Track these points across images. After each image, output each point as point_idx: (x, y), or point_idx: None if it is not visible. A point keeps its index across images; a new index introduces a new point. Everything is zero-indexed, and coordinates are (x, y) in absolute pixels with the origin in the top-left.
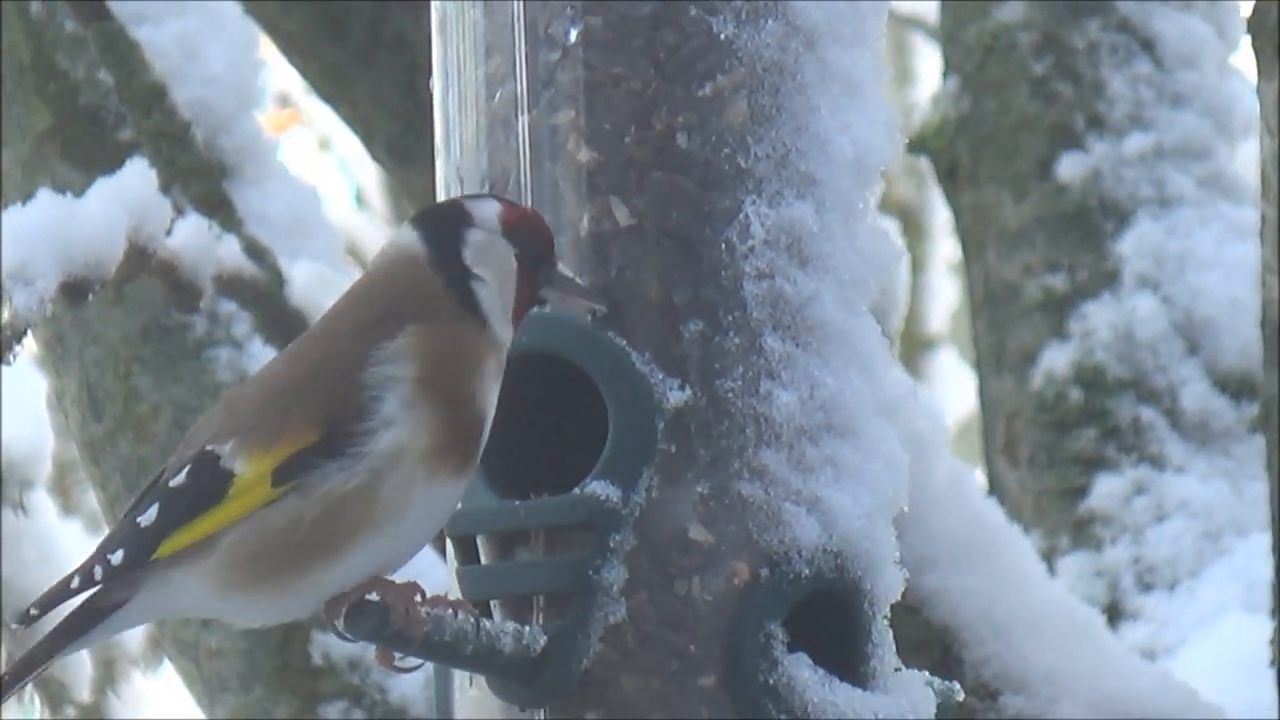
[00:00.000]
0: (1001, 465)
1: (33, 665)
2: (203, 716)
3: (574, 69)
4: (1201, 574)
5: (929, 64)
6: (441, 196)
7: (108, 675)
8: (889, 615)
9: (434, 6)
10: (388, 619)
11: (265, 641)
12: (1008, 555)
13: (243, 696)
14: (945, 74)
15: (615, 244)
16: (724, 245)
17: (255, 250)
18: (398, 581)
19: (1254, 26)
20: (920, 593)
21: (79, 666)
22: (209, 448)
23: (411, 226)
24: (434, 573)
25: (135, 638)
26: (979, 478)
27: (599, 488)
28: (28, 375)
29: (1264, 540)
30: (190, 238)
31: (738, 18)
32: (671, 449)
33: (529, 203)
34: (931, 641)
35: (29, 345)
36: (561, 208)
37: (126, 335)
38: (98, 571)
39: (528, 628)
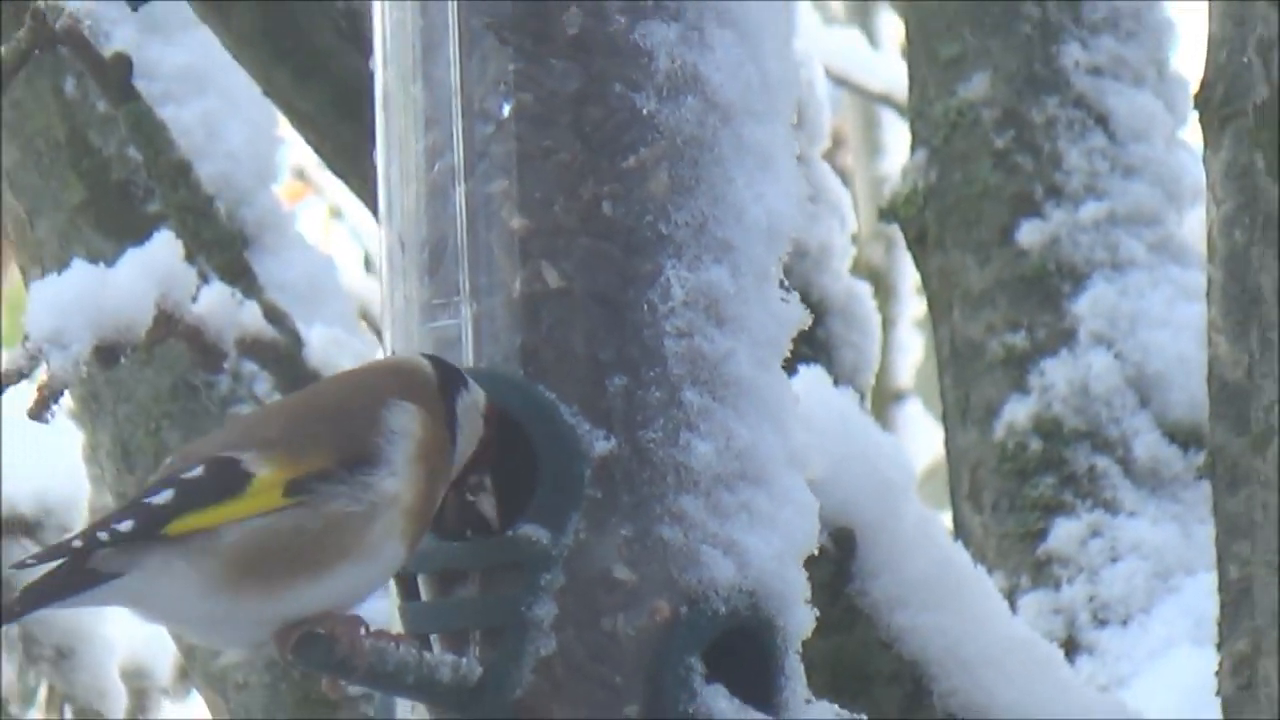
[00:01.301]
0: (967, 511)
1: (7, 615)
2: None
3: (507, 142)
4: (1152, 610)
5: (898, 138)
6: (385, 262)
7: (140, 705)
8: (800, 650)
9: (377, 82)
10: (333, 650)
11: (287, 676)
12: (973, 594)
13: None
14: (913, 147)
15: (545, 305)
16: (646, 306)
17: (274, 315)
18: (347, 616)
19: (1201, 103)
20: (892, 630)
21: (115, 696)
22: (224, 454)
23: (422, 357)
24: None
25: (165, 669)
26: (946, 522)
27: (530, 530)
28: (65, 430)
29: (1210, 579)
30: (214, 304)
31: (659, 94)
32: (598, 495)
33: (466, 266)
34: (903, 675)
35: (66, 403)
36: (496, 271)
37: (156, 393)
38: (102, 535)
39: (465, 660)
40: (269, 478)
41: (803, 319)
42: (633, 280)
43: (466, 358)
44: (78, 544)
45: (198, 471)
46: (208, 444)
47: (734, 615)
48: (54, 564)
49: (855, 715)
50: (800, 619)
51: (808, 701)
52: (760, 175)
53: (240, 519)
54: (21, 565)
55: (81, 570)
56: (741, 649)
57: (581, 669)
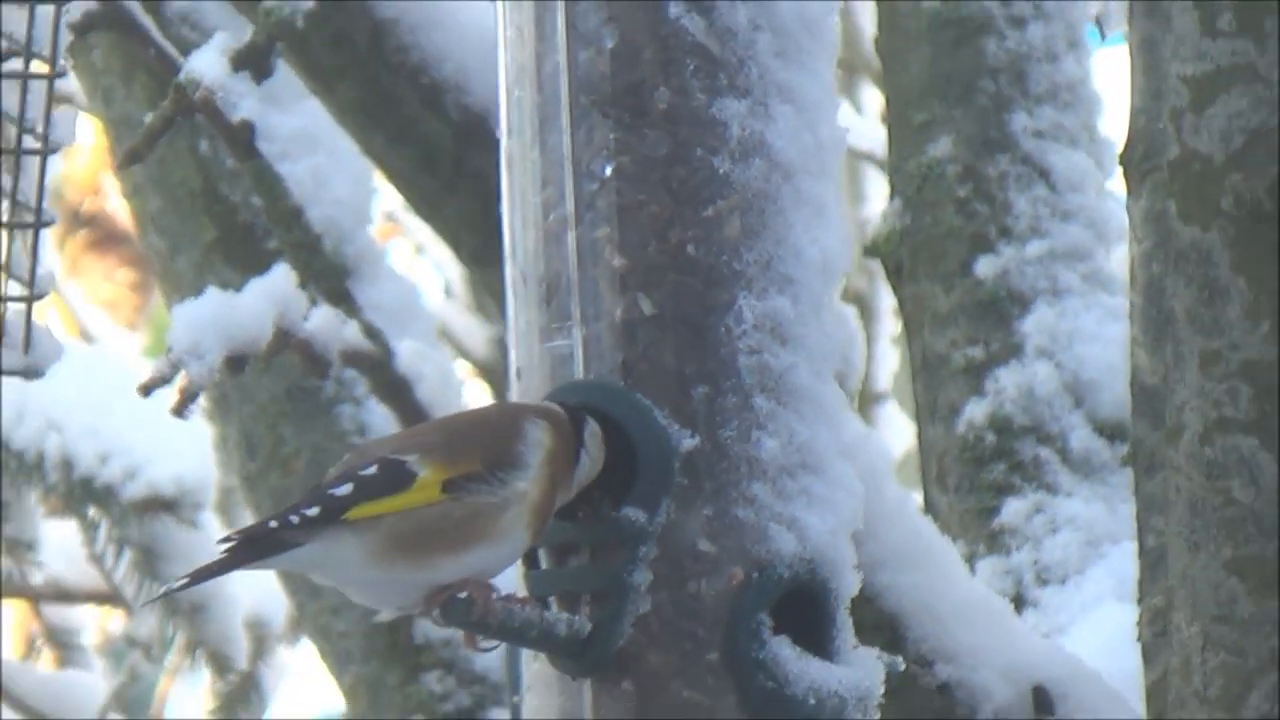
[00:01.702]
0: (935, 492)
1: (210, 573)
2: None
3: (609, 196)
4: (1085, 572)
5: (878, 189)
6: (509, 293)
7: (260, 649)
8: (849, 606)
9: (502, 148)
10: (471, 610)
11: (380, 627)
12: (940, 559)
13: (363, 667)
14: (891, 196)
15: (641, 329)
16: (723, 329)
17: (370, 332)
18: (482, 583)
19: (1124, 160)
20: (875, 587)
21: (238, 643)
22: (393, 456)
23: (551, 404)
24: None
25: (279, 621)
26: (918, 500)
27: (630, 512)
28: (199, 425)
29: (1131, 547)
30: (322, 323)
31: (732, 157)
32: (685, 482)
33: (575, 298)
34: (883, 624)
35: (201, 403)
36: (601, 301)
37: (274, 396)
38: (294, 518)
39: (577, 617)
40: (429, 477)
41: (849, 339)
42: (712, 308)
43: (577, 372)
44: (273, 524)
45: (372, 470)
46: (379, 446)
47: (796, 579)
48: (251, 537)
49: (893, 657)
50: (849, 582)
51: (855, 647)
52: (815, 222)
53: (402, 512)
54: (226, 540)
55: (272, 541)
56: (802, 607)
57: (672, 624)
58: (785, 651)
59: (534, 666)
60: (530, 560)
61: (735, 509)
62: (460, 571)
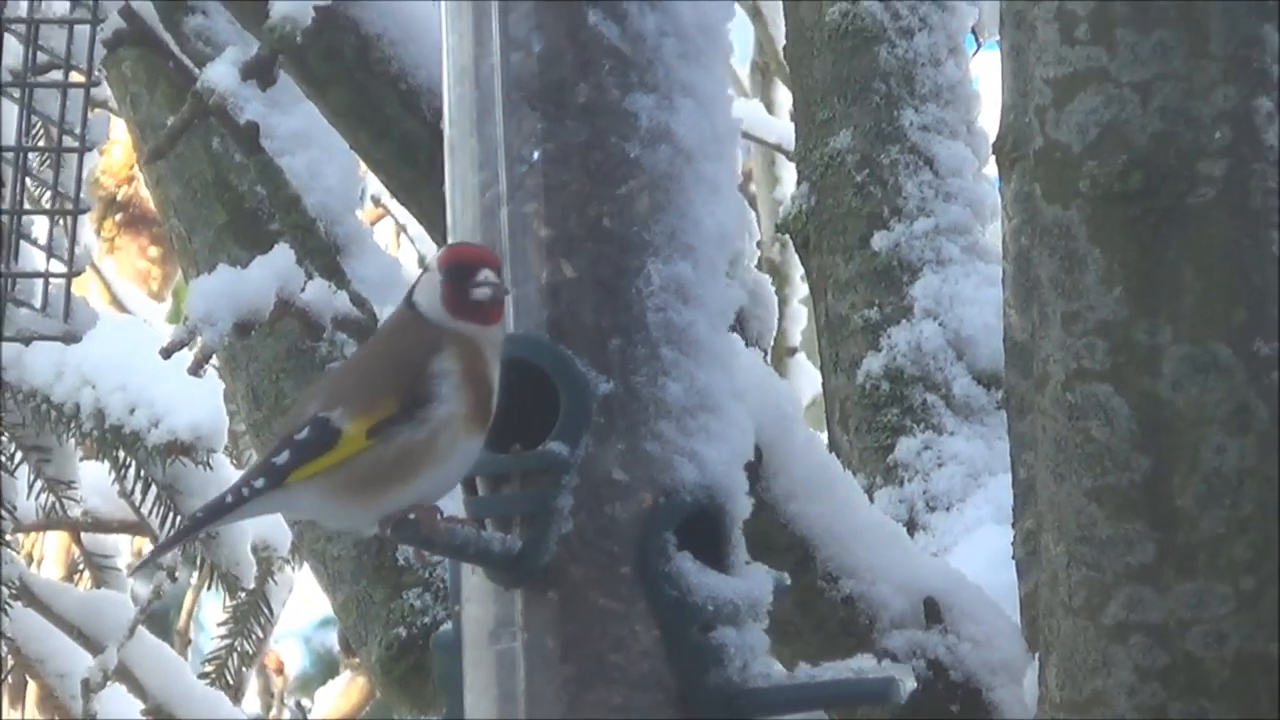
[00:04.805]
0: (838, 432)
1: (179, 537)
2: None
3: (536, 177)
4: (967, 500)
5: (789, 175)
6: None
7: (266, 570)
8: (743, 528)
9: (446, 137)
10: (419, 530)
11: (368, 550)
12: (843, 490)
13: (353, 586)
14: (799, 181)
15: (564, 289)
16: (634, 290)
17: (358, 300)
18: (428, 507)
19: (997, 149)
20: (788, 515)
21: (247, 565)
22: (320, 414)
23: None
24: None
25: (284, 545)
26: (824, 440)
27: (555, 446)
28: (213, 381)
29: (1006, 479)
30: (317, 293)
31: (642, 143)
32: (601, 420)
33: (508, 264)
34: (795, 546)
35: (214, 363)
36: (529, 266)
37: (276, 355)
38: (245, 491)
39: (510, 536)
40: (352, 430)
41: (741, 299)
42: (624, 272)
43: (510, 327)
44: (229, 499)
45: (305, 433)
46: (308, 405)
47: (696, 504)
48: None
49: (779, 573)
50: (742, 506)
51: (746, 563)
52: (712, 199)
53: (338, 464)
54: (192, 518)
55: (226, 509)
56: (701, 527)
57: (591, 541)
58: (687, 565)
59: (473, 579)
60: (469, 487)
61: (645, 443)
62: (409, 499)
